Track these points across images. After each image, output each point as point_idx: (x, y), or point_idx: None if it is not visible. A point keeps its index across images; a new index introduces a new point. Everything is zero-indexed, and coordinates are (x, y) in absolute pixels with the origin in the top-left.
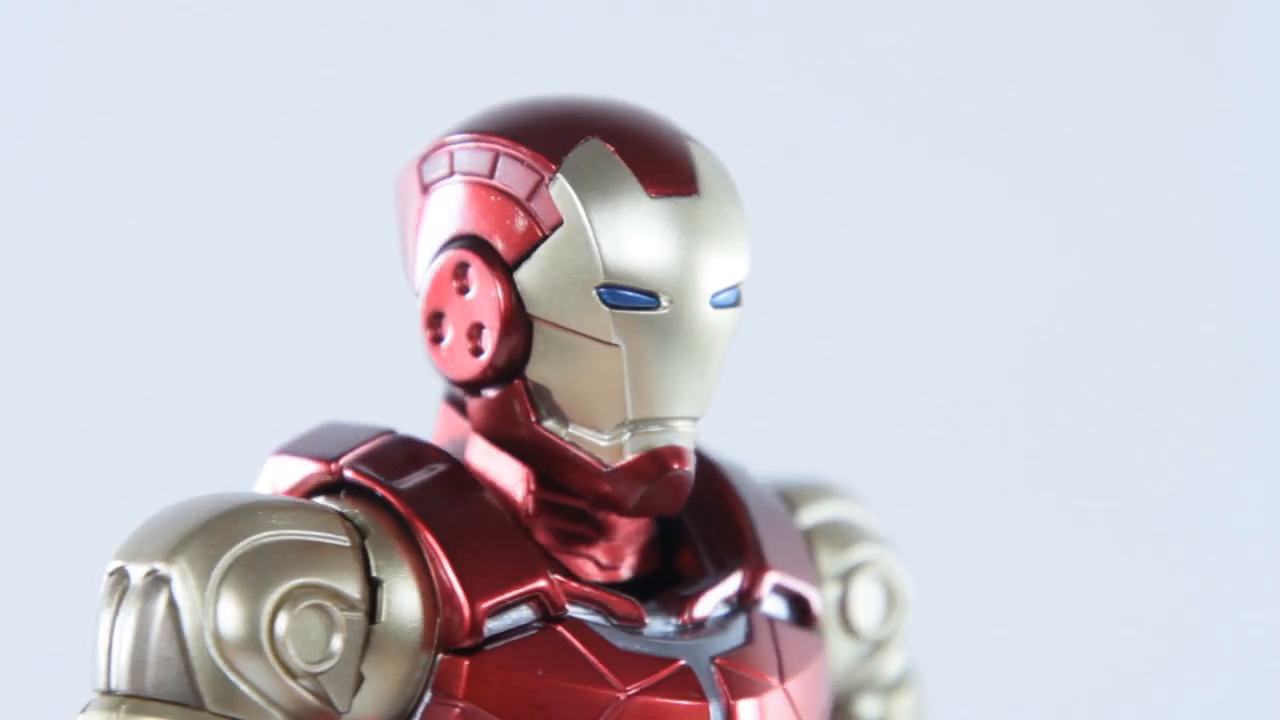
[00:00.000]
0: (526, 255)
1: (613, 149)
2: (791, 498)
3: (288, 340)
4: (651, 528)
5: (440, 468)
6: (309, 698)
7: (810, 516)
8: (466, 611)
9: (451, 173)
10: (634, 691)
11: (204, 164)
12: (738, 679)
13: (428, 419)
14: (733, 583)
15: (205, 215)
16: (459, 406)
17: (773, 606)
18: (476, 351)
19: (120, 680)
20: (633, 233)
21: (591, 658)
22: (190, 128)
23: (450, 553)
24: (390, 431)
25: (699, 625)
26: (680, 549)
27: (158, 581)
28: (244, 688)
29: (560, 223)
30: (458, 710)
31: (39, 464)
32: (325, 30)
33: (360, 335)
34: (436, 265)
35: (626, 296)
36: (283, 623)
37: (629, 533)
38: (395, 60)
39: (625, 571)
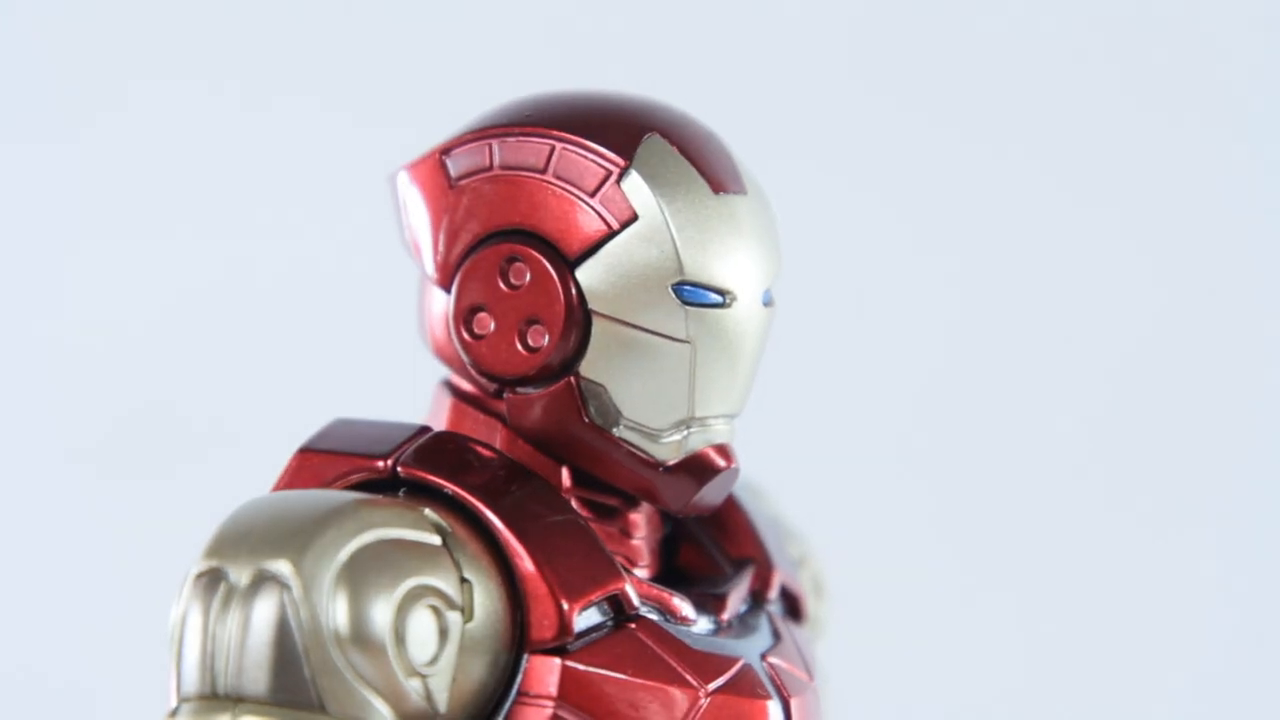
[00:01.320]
0: (592, 251)
1: (675, 146)
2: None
3: (279, 354)
4: (663, 528)
5: (496, 464)
6: (417, 699)
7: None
8: (559, 612)
9: (491, 166)
10: (714, 689)
11: (193, 179)
12: (787, 676)
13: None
14: (749, 581)
15: (194, 232)
16: (471, 400)
17: (776, 606)
18: (528, 347)
19: (227, 683)
20: (706, 230)
21: (668, 657)
22: (179, 142)
23: (535, 552)
24: (427, 428)
25: (729, 624)
26: (679, 549)
27: (269, 581)
28: (362, 689)
29: (634, 218)
30: (549, 712)
31: (34, 480)
32: (314, 36)
33: (349, 348)
34: (475, 258)
35: (701, 294)
36: (405, 622)
37: (647, 533)
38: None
39: (643, 571)
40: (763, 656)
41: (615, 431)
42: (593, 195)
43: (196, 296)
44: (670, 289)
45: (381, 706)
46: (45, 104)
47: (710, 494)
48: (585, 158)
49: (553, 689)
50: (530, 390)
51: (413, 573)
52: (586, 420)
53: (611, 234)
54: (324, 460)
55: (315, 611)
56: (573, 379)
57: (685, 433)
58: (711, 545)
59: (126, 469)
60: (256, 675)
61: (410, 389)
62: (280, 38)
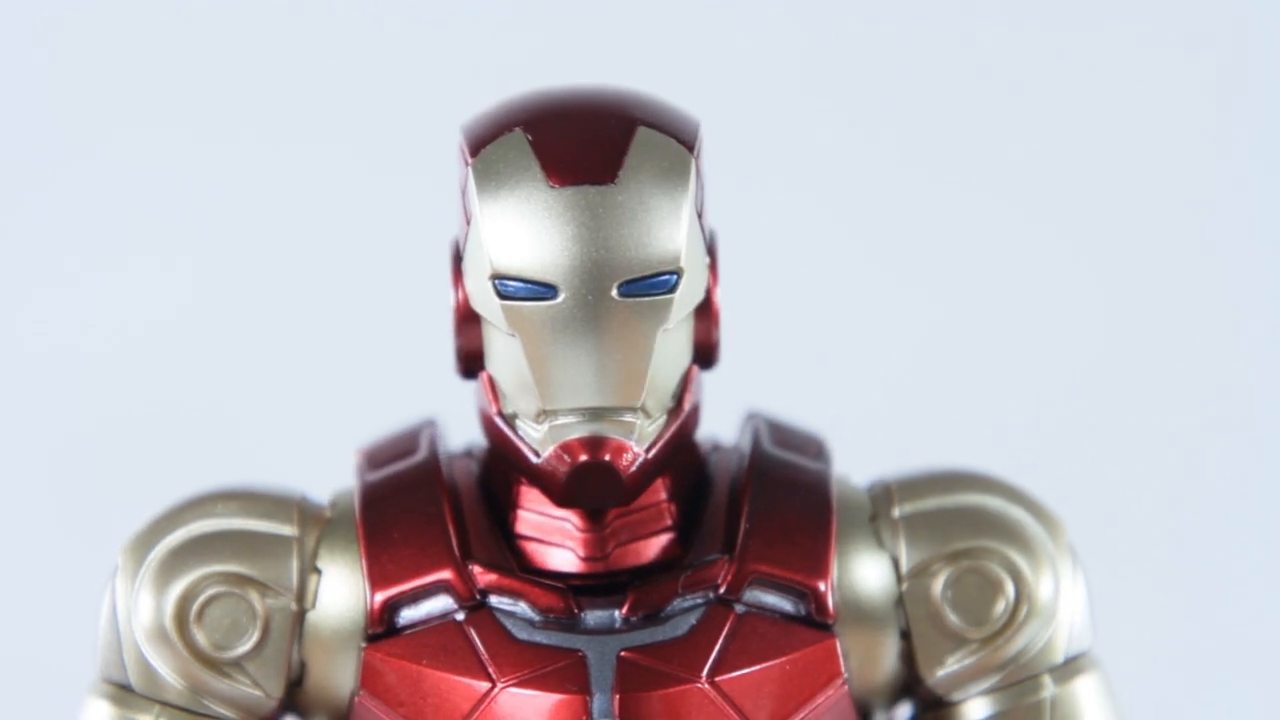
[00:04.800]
0: (463, 252)
1: (531, 139)
2: (896, 488)
3: (274, 354)
4: (659, 518)
5: (417, 460)
6: (233, 687)
7: (912, 506)
8: (369, 601)
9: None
10: (509, 683)
11: (191, 181)
12: (639, 671)
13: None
14: (705, 575)
15: (189, 230)
16: None
17: (774, 601)
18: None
19: (94, 660)
20: (523, 225)
21: (482, 649)
22: (173, 145)
23: (368, 544)
24: (431, 422)
25: (653, 616)
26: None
27: (114, 571)
28: (163, 673)
29: (470, 217)
30: (357, 699)
31: (20, 480)
32: (312, 44)
33: (351, 347)
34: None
35: (516, 288)
36: (190, 611)
37: (617, 526)
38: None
39: (618, 561)
40: (622, 651)
41: (518, 424)
42: (462, 197)
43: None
44: (490, 283)
45: (184, 689)
46: (37, 119)
47: (581, 487)
48: (463, 159)
49: (360, 678)
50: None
51: (219, 562)
52: (499, 414)
53: (466, 234)
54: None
55: (124, 599)
56: (484, 374)
57: (546, 424)
58: (698, 536)
59: (107, 485)
60: (100, 655)
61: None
62: (265, 58)
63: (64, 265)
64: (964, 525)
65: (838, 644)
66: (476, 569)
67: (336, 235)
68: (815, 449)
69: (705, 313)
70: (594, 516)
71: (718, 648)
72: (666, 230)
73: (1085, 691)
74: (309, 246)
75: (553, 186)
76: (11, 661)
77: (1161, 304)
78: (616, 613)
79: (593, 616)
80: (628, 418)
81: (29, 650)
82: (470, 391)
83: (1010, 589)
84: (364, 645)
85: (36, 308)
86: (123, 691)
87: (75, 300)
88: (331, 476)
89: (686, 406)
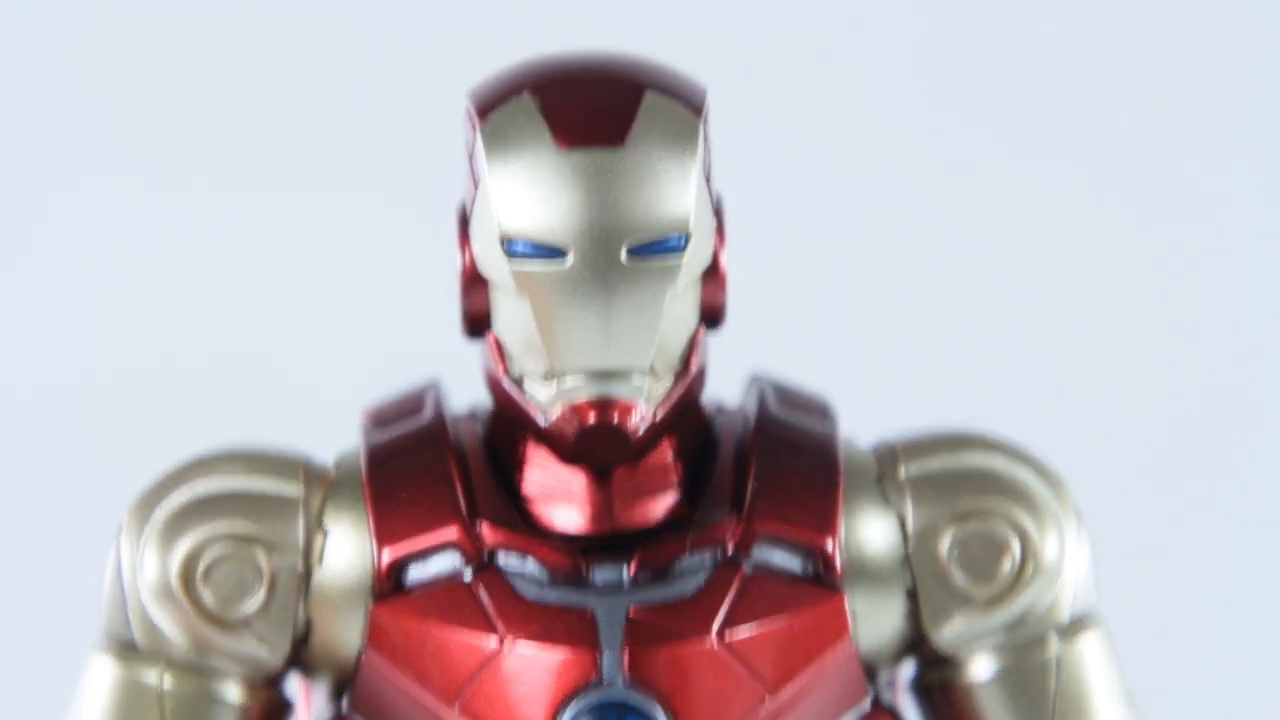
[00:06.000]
0: (470, 215)
1: (540, 103)
2: (902, 449)
3: (275, 316)
4: (666, 478)
5: (422, 420)
6: (241, 645)
7: (917, 467)
8: (376, 559)
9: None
10: (517, 639)
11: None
12: (648, 629)
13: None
14: (713, 534)
15: (193, 194)
16: None
17: (782, 560)
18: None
19: (98, 617)
20: (532, 188)
21: (490, 607)
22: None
23: (375, 503)
24: (435, 383)
25: (661, 575)
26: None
27: (119, 530)
28: (168, 631)
29: (479, 180)
30: (364, 658)
31: (32, 433)
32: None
33: (352, 311)
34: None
35: (524, 250)
36: (196, 570)
37: (624, 486)
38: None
39: (625, 521)
40: (631, 608)
41: (526, 385)
42: (469, 160)
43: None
44: (498, 246)
45: (189, 648)
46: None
47: (589, 448)
48: (470, 125)
49: (367, 636)
50: (480, 343)
51: (225, 522)
52: (506, 375)
53: (473, 198)
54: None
55: (129, 558)
56: (490, 335)
57: (554, 385)
58: (705, 495)
59: (119, 440)
60: (105, 612)
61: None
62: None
63: (72, 202)
64: (970, 486)
65: (845, 602)
66: (484, 528)
67: (338, 198)
68: (821, 410)
69: (712, 276)
70: (601, 476)
71: (726, 606)
72: (675, 194)
73: (1090, 650)
74: (311, 210)
75: (561, 150)
76: (16, 619)
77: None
78: (624, 572)
79: (601, 575)
80: (636, 379)
81: (34, 608)
82: (472, 356)
83: (1016, 548)
84: (371, 604)
85: (41, 249)
86: (127, 649)
87: (77, 247)
88: (335, 438)
89: (694, 368)
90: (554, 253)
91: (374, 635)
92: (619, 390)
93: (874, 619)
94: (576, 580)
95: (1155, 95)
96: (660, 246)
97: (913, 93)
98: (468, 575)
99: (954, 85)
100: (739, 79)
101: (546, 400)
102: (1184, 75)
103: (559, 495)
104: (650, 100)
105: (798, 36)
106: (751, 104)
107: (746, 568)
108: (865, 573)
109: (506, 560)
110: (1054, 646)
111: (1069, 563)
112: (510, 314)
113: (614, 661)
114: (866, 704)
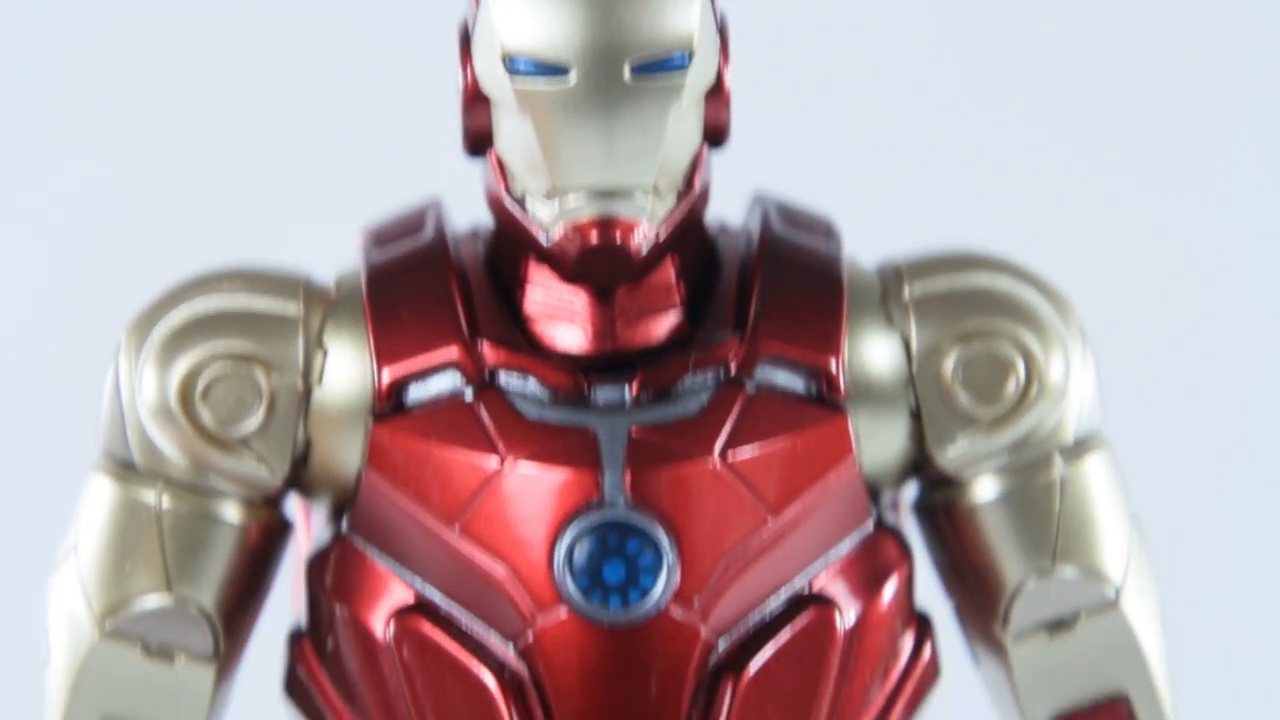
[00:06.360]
0: (471, 36)
1: None
2: (906, 268)
3: (273, 136)
4: (669, 297)
5: (423, 238)
6: (240, 464)
7: (922, 287)
8: (377, 378)
9: None
10: (518, 459)
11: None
12: (650, 449)
13: None
14: (716, 354)
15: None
16: None
17: (785, 380)
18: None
19: (97, 437)
20: (534, 5)
21: (490, 426)
22: None
23: (375, 322)
24: (436, 202)
25: (663, 394)
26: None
27: (118, 348)
28: (166, 450)
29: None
30: (364, 478)
31: (20, 257)
32: None
33: (351, 128)
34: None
35: (527, 67)
36: (195, 389)
37: (626, 305)
38: None
39: (627, 341)
40: (633, 429)
41: (528, 203)
42: None
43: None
44: (501, 63)
45: (187, 466)
46: None
47: (592, 266)
48: None
49: (368, 455)
50: (482, 160)
51: (224, 341)
52: (506, 190)
53: (475, 15)
54: None
55: (127, 377)
56: (492, 153)
57: (556, 203)
58: (709, 315)
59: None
60: (103, 432)
61: None
62: None
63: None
64: (975, 305)
65: (849, 423)
66: (485, 347)
67: (336, 16)
68: (824, 229)
69: (716, 94)
70: (603, 295)
71: (729, 426)
72: (679, 11)
73: (1095, 470)
74: (313, 23)
75: None
76: (13, 437)
77: None
78: (626, 391)
79: (602, 395)
80: (639, 198)
81: (31, 426)
82: (473, 175)
83: (1021, 369)
84: (371, 423)
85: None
86: (125, 469)
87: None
88: (334, 259)
89: (697, 187)
90: (556, 71)
91: (374, 455)
92: (621, 209)
93: (877, 440)
94: (578, 400)
95: (1185, 98)
96: (664, 64)
97: None
98: (468, 395)
99: None
100: None
101: (548, 219)
102: (1204, 73)
103: (561, 315)
104: None
105: None
106: None
107: (749, 388)
108: (869, 393)
109: (508, 380)
110: (1059, 468)
111: (1074, 384)
112: (512, 132)
113: (615, 482)
114: (869, 526)
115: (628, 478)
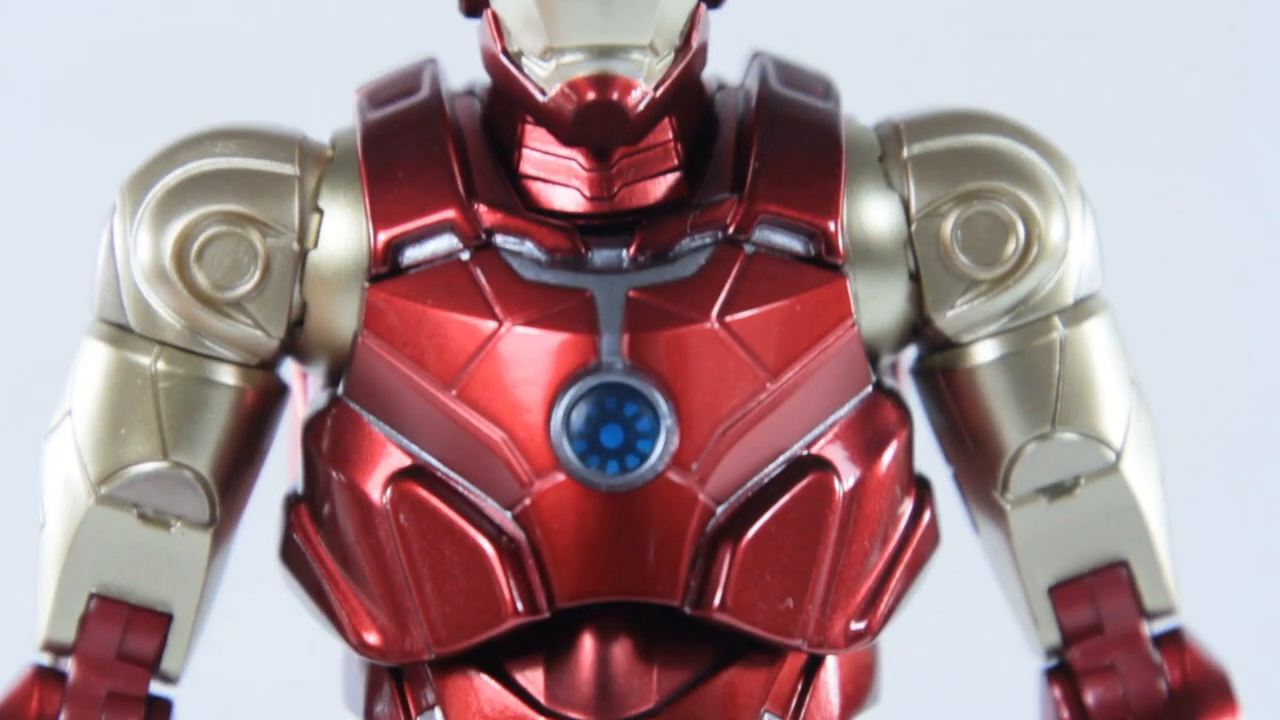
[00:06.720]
0: None
1: None
2: (905, 127)
3: None
4: (666, 158)
5: (419, 98)
6: (233, 326)
7: (921, 146)
8: (372, 240)
9: None
10: (516, 323)
11: None
12: (647, 311)
13: None
14: (714, 214)
15: None
16: None
17: (784, 241)
18: None
19: (91, 300)
20: None
21: (487, 288)
22: None
23: (371, 183)
24: (432, 60)
25: (661, 256)
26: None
27: (112, 210)
28: (162, 313)
29: None
30: (360, 341)
31: (32, 99)
32: None
33: None
34: None
35: None
36: (189, 251)
37: (624, 165)
38: None
39: (625, 201)
40: (630, 290)
41: (524, 62)
42: None
43: None
44: None
45: (182, 329)
46: None
47: (589, 126)
48: None
49: (363, 318)
50: (477, 21)
51: (219, 201)
52: (502, 49)
53: None
54: None
55: (122, 239)
56: (488, 10)
57: (553, 62)
58: (706, 175)
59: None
60: (97, 295)
61: None
62: None
63: None
64: (974, 165)
65: (847, 285)
66: (481, 208)
67: None
68: (823, 88)
69: None
70: (600, 156)
71: (727, 287)
72: None
73: (1095, 332)
74: None
75: None
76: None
77: None
78: (624, 252)
79: (600, 256)
80: (635, 55)
81: (26, 288)
82: (470, 33)
83: (1021, 230)
84: (367, 285)
85: None
86: (121, 332)
87: None
88: (330, 118)
89: (694, 44)
90: None
91: (370, 317)
92: (618, 67)
93: (876, 302)
94: (575, 261)
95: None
96: None
97: None
98: (465, 256)
99: None
100: None
101: (545, 77)
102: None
103: (557, 175)
104: None
105: None
106: None
107: (747, 248)
108: (868, 255)
109: (504, 242)
110: (1058, 329)
111: (1074, 245)
112: None
113: (613, 345)
114: (868, 389)
115: (625, 340)
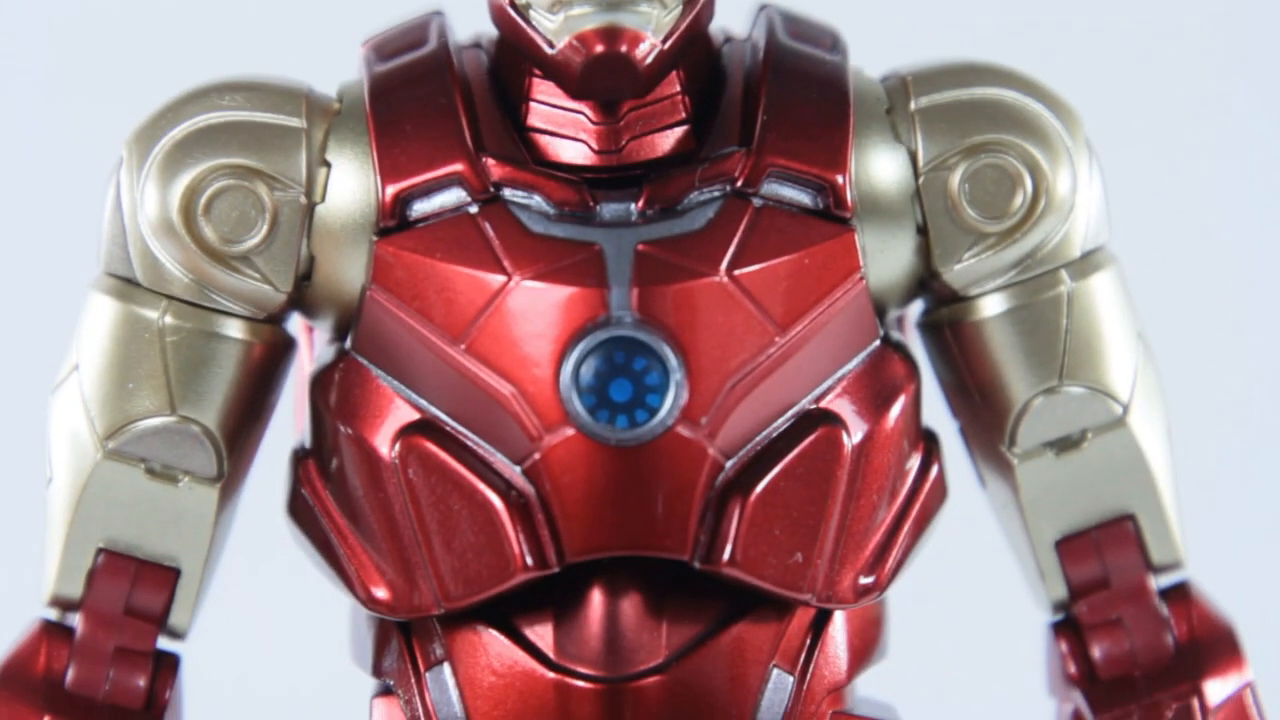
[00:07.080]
0: None
1: None
2: (912, 79)
3: None
4: (674, 111)
5: (427, 50)
6: (241, 281)
7: (928, 99)
8: (380, 193)
9: None
10: (525, 277)
11: None
12: (656, 264)
13: None
14: (722, 167)
15: None
16: None
17: (792, 194)
18: None
19: (98, 254)
20: None
21: (496, 243)
22: None
23: (379, 136)
24: (439, 12)
25: (670, 209)
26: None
27: (119, 163)
28: (169, 267)
29: None
30: (368, 294)
31: (20, 68)
32: None
33: None
34: None
35: None
36: (197, 204)
37: (632, 119)
38: None
39: (633, 155)
40: (639, 244)
41: (532, 14)
42: None
43: None
44: None
45: (190, 283)
46: None
47: (598, 79)
48: None
49: (370, 272)
50: None
51: (226, 154)
52: (510, 1)
53: None
54: None
55: (129, 192)
56: None
57: (561, 14)
58: (716, 128)
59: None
60: (104, 249)
61: None
62: None
63: None
64: (981, 118)
65: (855, 238)
66: (489, 161)
67: None
68: (830, 41)
69: None
70: (608, 109)
71: (736, 241)
72: None
73: (1102, 286)
74: None
75: None
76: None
77: None
78: (632, 206)
79: (608, 209)
80: (644, 7)
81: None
82: None
83: (1028, 183)
84: (375, 239)
85: None
86: (128, 285)
87: None
88: (337, 71)
89: None
90: None
91: (378, 271)
92: (627, 19)
93: (884, 255)
94: (584, 215)
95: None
96: None
97: None
98: (473, 210)
99: None
100: None
101: (553, 30)
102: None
103: (565, 128)
104: None
105: None
106: None
107: (756, 202)
108: (876, 208)
109: (513, 195)
110: (1065, 282)
111: (1081, 198)
112: None
113: (622, 298)
114: (876, 343)
115: (634, 294)
